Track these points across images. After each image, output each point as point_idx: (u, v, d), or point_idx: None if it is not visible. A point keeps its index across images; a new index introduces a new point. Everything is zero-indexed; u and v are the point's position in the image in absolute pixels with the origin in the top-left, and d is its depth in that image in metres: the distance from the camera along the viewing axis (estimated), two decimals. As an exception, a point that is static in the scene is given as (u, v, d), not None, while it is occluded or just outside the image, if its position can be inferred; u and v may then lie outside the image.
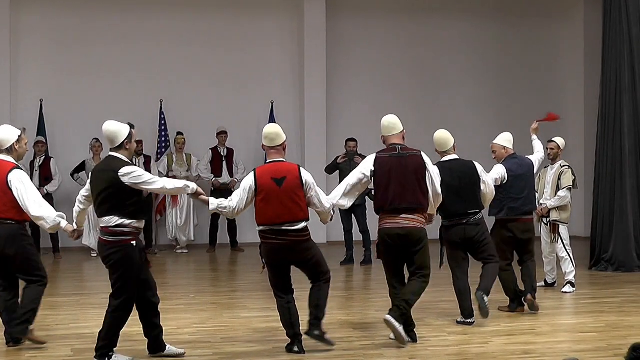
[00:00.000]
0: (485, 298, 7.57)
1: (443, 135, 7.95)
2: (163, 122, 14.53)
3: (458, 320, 7.78)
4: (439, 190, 7.07)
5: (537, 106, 15.87)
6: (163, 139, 14.48)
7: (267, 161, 6.80)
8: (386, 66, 15.74)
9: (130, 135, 6.32)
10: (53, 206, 14.15)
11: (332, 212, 6.84)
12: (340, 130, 14.46)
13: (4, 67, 14.09)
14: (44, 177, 13.43)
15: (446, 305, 8.48)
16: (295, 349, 6.59)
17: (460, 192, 7.69)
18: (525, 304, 8.35)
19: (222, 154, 14.39)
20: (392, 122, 7.18)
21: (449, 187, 7.54)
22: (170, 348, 6.58)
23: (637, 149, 11.89)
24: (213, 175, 14.25)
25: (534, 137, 9.37)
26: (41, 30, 14.49)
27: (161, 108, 14.52)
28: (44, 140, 13.74)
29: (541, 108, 15.61)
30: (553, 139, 9.97)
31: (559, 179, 9.80)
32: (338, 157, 12.49)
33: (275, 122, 14.77)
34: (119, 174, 6.13)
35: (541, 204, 9.84)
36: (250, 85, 15.19)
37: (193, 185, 6.41)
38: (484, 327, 7.63)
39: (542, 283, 10.06)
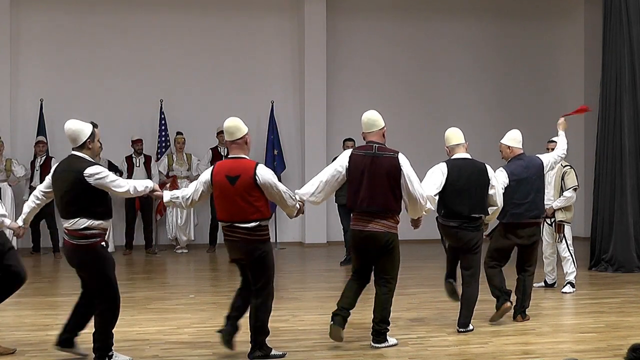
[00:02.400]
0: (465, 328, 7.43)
1: (452, 131, 7.60)
2: (163, 122, 14.52)
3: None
4: (417, 193, 6.70)
5: (537, 106, 15.92)
6: (163, 138, 14.49)
7: (228, 156, 6.57)
8: (386, 66, 15.73)
9: (92, 134, 6.19)
10: (53, 205, 14.17)
11: (297, 206, 6.57)
12: (340, 130, 14.44)
13: (4, 67, 14.10)
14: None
15: (446, 305, 8.48)
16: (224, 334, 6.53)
17: (466, 194, 7.32)
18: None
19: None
20: (371, 119, 6.91)
21: (455, 186, 7.31)
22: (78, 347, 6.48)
23: (637, 149, 11.89)
24: (213, 175, 14.25)
25: (560, 132, 8.67)
26: (41, 30, 14.49)
27: (161, 108, 14.52)
28: (45, 140, 13.75)
29: (542, 108, 15.70)
30: (553, 139, 9.95)
31: (562, 179, 9.81)
32: (336, 157, 12.50)
33: (275, 122, 14.93)
34: (84, 174, 6.01)
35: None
36: (250, 85, 15.19)
37: (151, 183, 6.39)
38: (484, 327, 7.63)
39: (542, 283, 10.09)
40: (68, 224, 6.11)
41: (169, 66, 14.91)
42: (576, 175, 9.92)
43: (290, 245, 14.93)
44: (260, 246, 6.36)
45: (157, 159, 14.32)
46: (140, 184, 6.32)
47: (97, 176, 6.03)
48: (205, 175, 6.48)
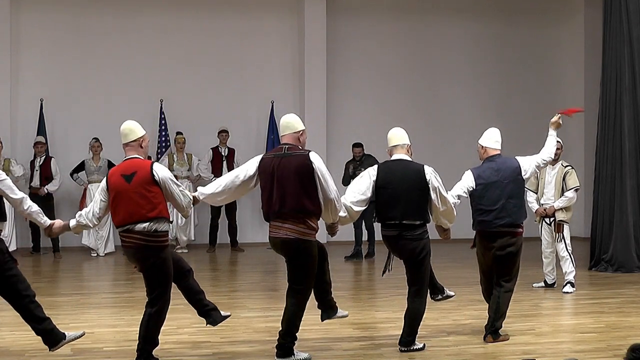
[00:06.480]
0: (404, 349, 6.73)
1: (393, 132, 6.96)
2: (163, 122, 14.53)
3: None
4: (332, 194, 6.27)
5: (537, 106, 15.90)
6: (163, 138, 14.50)
7: (123, 159, 6.40)
8: (386, 66, 15.74)
9: None
10: (53, 206, 14.16)
11: (190, 207, 6.31)
12: (341, 130, 14.47)
13: (4, 67, 14.10)
14: (44, 177, 13.46)
15: (446, 306, 8.47)
16: None
17: (397, 197, 6.65)
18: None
19: (223, 154, 14.39)
20: (285, 121, 6.58)
21: (385, 189, 6.70)
22: (70, 334, 6.34)
23: (637, 150, 11.90)
24: (213, 175, 14.26)
25: (551, 132, 7.63)
26: (41, 30, 14.50)
27: (161, 108, 14.53)
28: (44, 141, 13.75)
29: (542, 108, 15.66)
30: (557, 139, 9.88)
31: (564, 179, 9.78)
32: (349, 166, 12.85)
33: (275, 122, 14.92)
34: None
35: (542, 205, 9.87)
36: (250, 85, 15.20)
37: (46, 222, 6.22)
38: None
39: (542, 283, 10.10)
40: None
41: (169, 66, 14.91)
42: (577, 176, 9.92)
43: (290, 245, 14.90)
44: (154, 253, 6.06)
45: (157, 159, 14.30)
46: (34, 211, 6.12)
47: None
48: (102, 183, 6.29)
